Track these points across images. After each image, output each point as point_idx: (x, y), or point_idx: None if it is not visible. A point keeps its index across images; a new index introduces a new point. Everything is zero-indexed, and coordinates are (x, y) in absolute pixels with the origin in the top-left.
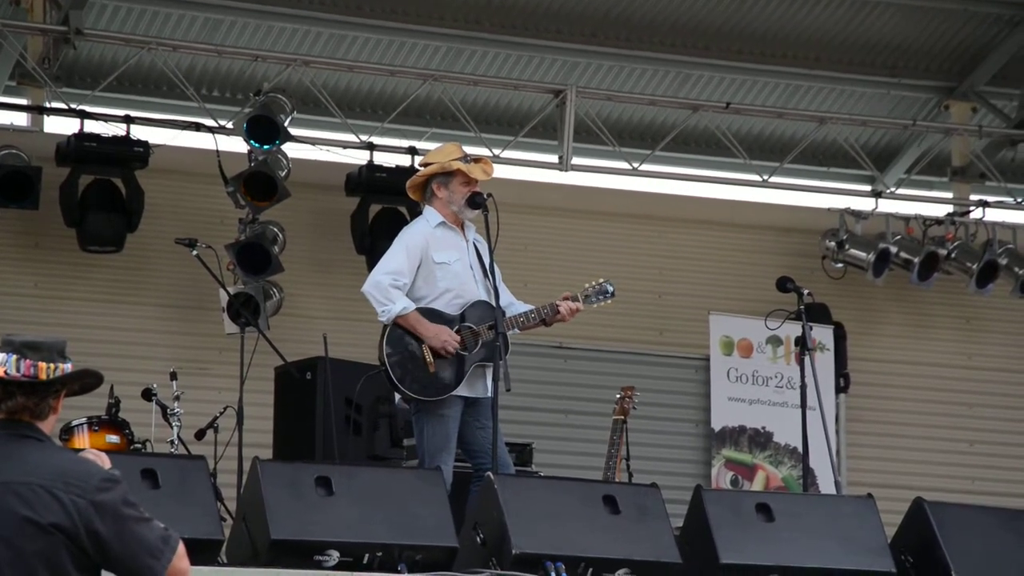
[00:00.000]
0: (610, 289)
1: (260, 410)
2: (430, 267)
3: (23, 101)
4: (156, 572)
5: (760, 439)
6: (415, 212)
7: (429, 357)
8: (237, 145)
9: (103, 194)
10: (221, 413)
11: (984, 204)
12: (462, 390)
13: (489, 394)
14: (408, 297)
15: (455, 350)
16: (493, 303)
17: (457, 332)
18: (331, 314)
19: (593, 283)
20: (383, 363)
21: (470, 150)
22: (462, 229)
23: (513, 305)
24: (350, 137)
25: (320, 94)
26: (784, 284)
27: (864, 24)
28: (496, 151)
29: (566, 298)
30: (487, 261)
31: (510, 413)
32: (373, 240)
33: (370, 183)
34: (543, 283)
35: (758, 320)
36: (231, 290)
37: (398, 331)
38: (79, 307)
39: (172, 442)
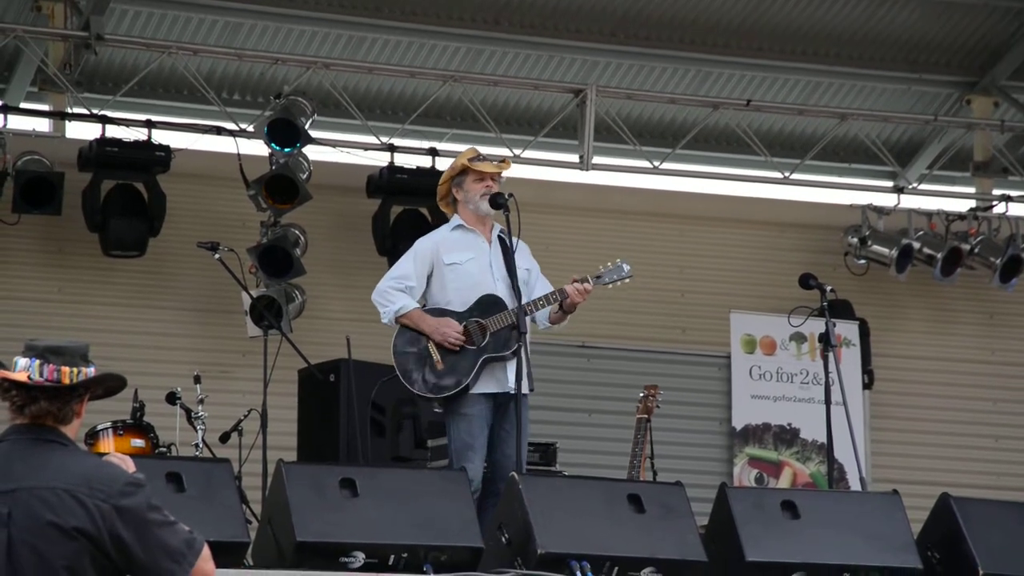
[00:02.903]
0: (626, 268)
1: (284, 412)
2: (441, 270)
3: (45, 107)
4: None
5: (786, 436)
6: (436, 213)
7: (436, 356)
8: (258, 148)
9: (125, 199)
10: (245, 416)
11: (1007, 199)
12: (482, 387)
13: (511, 386)
14: (426, 302)
15: (456, 341)
16: (516, 302)
17: (465, 326)
18: (354, 316)
19: (608, 264)
20: (395, 365)
21: (491, 150)
22: (487, 229)
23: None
24: (371, 139)
25: (340, 96)
26: (807, 281)
27: (884, 19)
28: (517, 151)
29: (575, 280)
30: (524, 257)
31: (534, 413)
32: (395, 242)
33: (391, 185)
34: (564, 282)
35: (780, 317)
36: (253, 293)
37: (407, 332)
38: (102, 312)
39: (197, 445)
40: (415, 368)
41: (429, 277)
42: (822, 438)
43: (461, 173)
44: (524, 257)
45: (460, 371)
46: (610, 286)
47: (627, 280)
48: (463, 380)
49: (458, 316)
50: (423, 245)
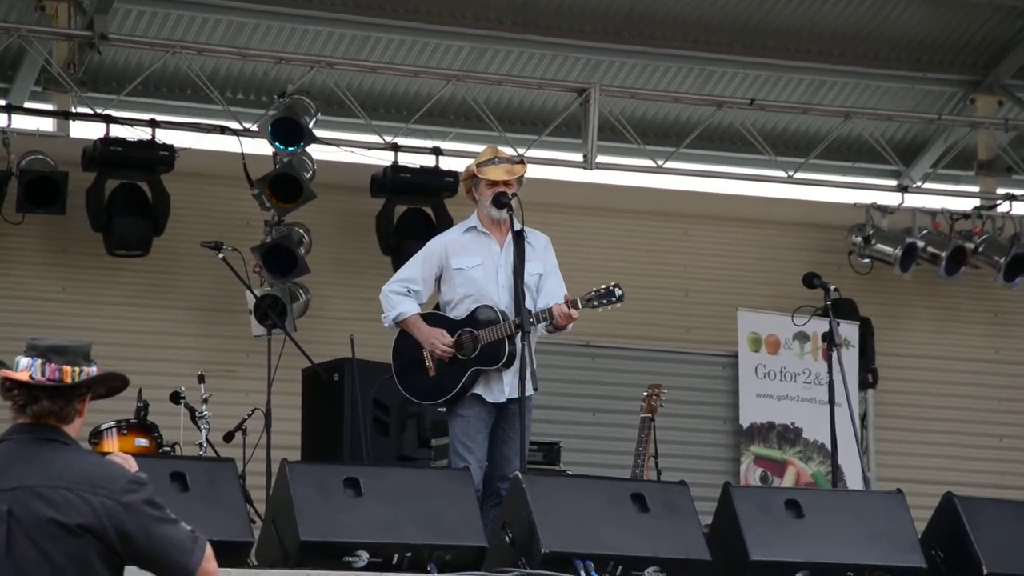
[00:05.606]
0: (618, 293)
1: (288, 412)
2: (450, 273)
3: (49, 106)
4: (190, 569)
5: (789, 435)
6: (440, 212)
7: (429, 362)
8: (262, 147)
9: (129, 198)
10: (249, 415)
11: (1011, 197)
12: (478, 391)
13: (505, 397)
14: (438, 303)
15: (443, 353)
16: (521, 307)
17: (458, 336)
18: (357, 315)
19: (601, 287)
20: (392, 367)
21: None
22: (502, 232)
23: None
24: (374, 138)
25: (344, 95)
26: (811, 280)
27: (888, 18)
28: (521, 150)
29: (567, 301)
30: (538, 259)
31: (538, 412)
32: (399, 241)
33: (395, 184)
34: (568, 282)
35: (785, 316)
36: (257, 292)
37: (404, 337)
38: (106, 311)
39: (201, 445)
40: (410, 372)
41: (440, 277)
42: (824, 438)
43: (476, 176)
44: (537, 259)
45: (449, 381)
46: (599, 310)
47: (617, 305)
48: (450, 390)
49: (454, 325)
50: (433, 247)
